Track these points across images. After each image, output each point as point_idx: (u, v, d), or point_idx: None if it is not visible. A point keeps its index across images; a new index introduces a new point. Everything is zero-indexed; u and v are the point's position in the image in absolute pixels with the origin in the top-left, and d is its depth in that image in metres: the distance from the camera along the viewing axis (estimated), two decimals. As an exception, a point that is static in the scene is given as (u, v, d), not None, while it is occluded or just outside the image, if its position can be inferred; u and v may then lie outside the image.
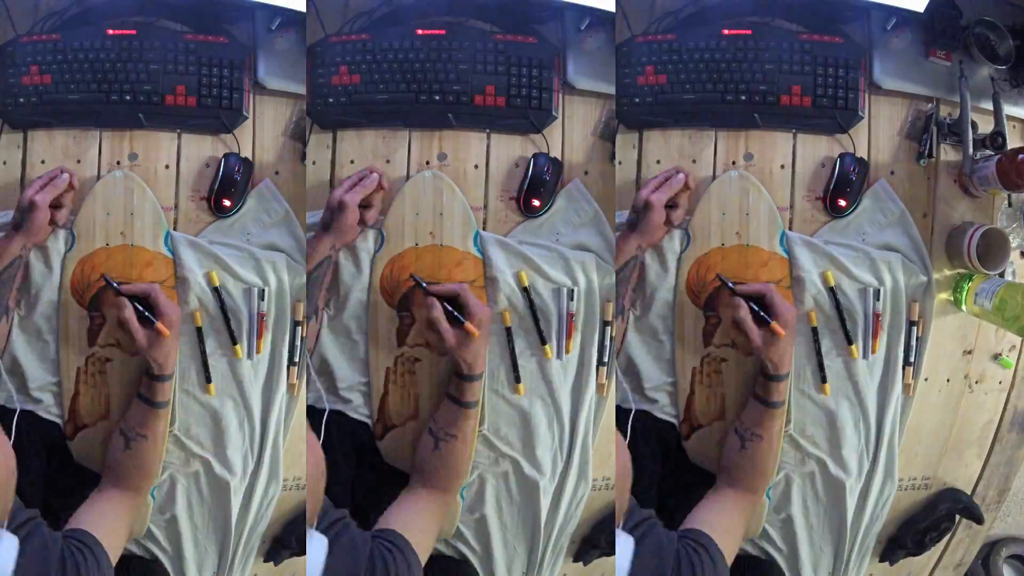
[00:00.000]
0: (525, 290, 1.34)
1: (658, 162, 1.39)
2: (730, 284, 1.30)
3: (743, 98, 1.36)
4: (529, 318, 1.34)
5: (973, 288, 1.37)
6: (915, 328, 1.38)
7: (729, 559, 1.21)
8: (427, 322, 1.27)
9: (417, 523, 1.22)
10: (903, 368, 1.38)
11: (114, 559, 1.18)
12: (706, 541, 1.18)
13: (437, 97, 1.35)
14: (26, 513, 1.17)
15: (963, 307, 1.40)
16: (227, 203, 1.33)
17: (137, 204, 1.33)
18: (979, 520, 1.44)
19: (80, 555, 1.11)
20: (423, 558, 1.20)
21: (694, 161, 1.39)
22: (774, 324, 1.23)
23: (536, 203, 1.36)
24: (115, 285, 1.26)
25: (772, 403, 1.28)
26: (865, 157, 1.40)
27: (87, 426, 1.31)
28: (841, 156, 1.39)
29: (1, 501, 1.15)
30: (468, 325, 1.23)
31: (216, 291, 1.31)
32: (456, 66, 1.35)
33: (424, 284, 1.29)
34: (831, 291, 1.35)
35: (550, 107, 1.37)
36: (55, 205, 1.27)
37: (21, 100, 1.32)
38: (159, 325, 1.21)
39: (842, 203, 1.38)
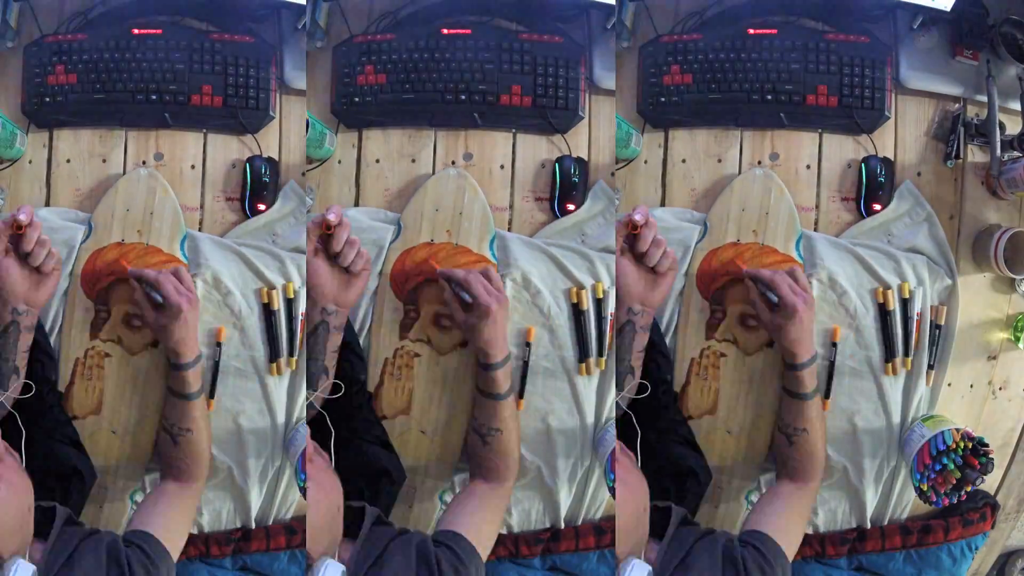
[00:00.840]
0: (575, 305, 1.34)
1: (683, 161, 1.38)
2: (744, 269, 1.28)
3: (769, 98, 1.35)
4: (570, 333, 1.34)
5: None
6: (939, 332, 1.37)
7: (790, 554, 1.21)
8: (434, 316, 1.27)
9: (476, 521, 1.22)
10: (925, 372, 1.38)
11: (175, 554, 1.19)
12: (766, 542, 1.18)
13: (463, 97, 1.35)
14: (76, 533, 1.16)
15: (1021, 345, 1.39)
16: (262, 207, 1.34)
17: (158, 204, 1.33)
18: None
19: (140, 558, 1.12)
20: (485, 553, 1.21)
21: (719, 160, 1.38)
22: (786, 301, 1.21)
23: (571, 207, 1.36)
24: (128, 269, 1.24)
25: (802, 395, 1.26)
26: (892, 157, 1.39)
27: (76, 418, 1.31)
28: (865, 160, 1.38)
29: (20, 534, 1.14)
30: (482, 298, 1.21)
31: (266, 308, 1.32)
32: (482, 65, 1.35)
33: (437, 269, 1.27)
34: (881, 307, 1.34)
35: (576, 107, 1.36)
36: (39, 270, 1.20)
37: (47, 99, 1.32)
38: (172, 298, 1.18)
39: (877, 207, 1.37)
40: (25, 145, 1.33)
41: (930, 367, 1.38)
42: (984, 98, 1.38)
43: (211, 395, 1.31)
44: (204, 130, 1.36)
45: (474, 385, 1.31)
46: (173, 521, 1.21)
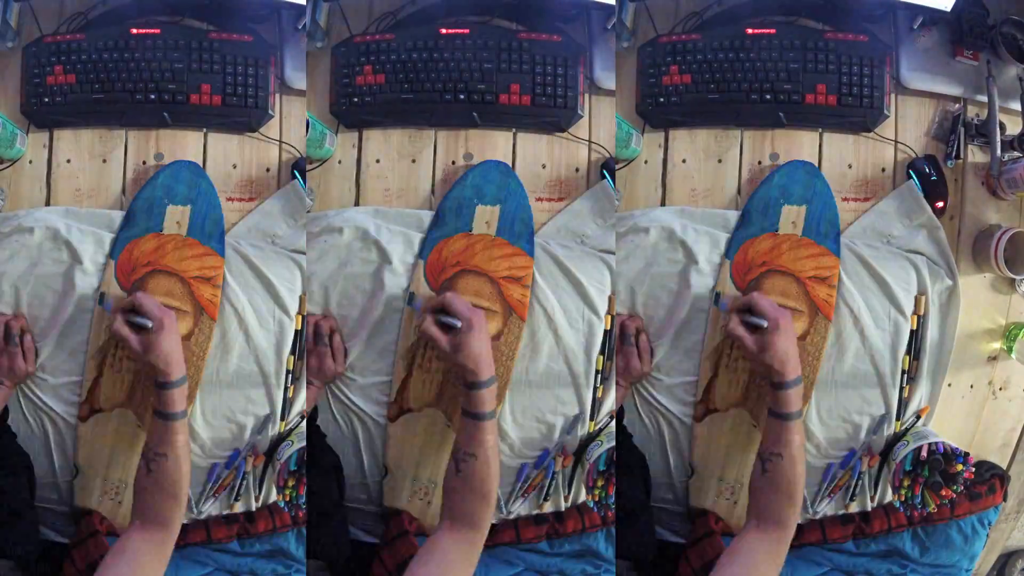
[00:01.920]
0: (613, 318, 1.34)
1: (684, 161, 1.38)
2: (723, 300, 1.30)
3: (768, 97, 1.35)
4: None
5: None
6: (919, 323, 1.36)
7: None
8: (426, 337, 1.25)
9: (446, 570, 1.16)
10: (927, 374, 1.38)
11: None
12: None
13: (462, 96, 1.35)
14: None
15: (1013, 355, 1.39)
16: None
17: (200, 197, 1.32)
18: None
19: None
20: None
21: (720, 161, 1.38)
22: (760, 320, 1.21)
23: None
24: (107, 304, 1.26)
25: (786, 414, 1.21)
26: (894, 157, 1.39)
27: (102, 410, 1.30)
28: (911, 164, 1.38)
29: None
30: (454, 320, 1.20)
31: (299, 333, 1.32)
32: (481, 65, 1.35)
33: (417, 302, 1.29)
34: (920, 320, 1.34)
35: (575, 105, 1.36)
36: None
37: (46, 100, 1.32)
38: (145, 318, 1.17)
39: (940, 204, 1.38)
40: (25, 145, 1.33)
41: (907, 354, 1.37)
42: (984, 98, 1.38)
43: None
44: (204, 129, 1.36)
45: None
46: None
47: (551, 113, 1.36)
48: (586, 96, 1.38)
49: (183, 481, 1.17)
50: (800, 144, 1.38)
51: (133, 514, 1.20)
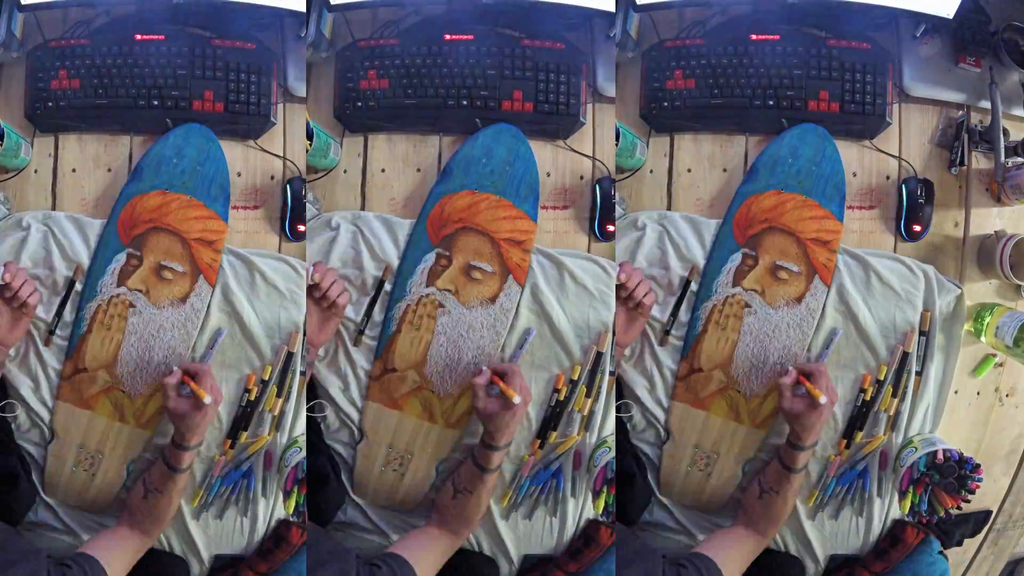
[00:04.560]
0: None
1: (689, 171, 1.39)
2: (792, 367, 1.30)
3: (771, 103, 1.35)
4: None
5: (994, 321, 1.35)
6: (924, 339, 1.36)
7: None
8: (465, 267, 1.30)
9: (424, 556, 1.28)
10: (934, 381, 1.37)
11: None
12: (709, 564, 1.25)
13: (465, 102, 1.35)
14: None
15: (983, 338, 1.38)
16: (302, 228, 1.33)
17: (208, 159, 1.31)
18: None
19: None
20: None
21: (724, 170, 1.38)
22: (813, 390, 1.26)
23: (611, 228, 1.35)
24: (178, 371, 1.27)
25: (792, 468, 1.30)
26: (897, 165, 1.39)
27: (85, 370, 1.29)
28: (905, 181, 1.38)
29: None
30: (506, 389, 1.26)
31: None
32: (484, 71, 1.35)
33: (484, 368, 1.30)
34: (923, 335, 1.34)
35: (578, 113, 1.36)
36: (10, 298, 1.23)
37: (50, 104, 1.32)
38: (199, 391, 1.23)
39: (917, 228, 1.37)
40: (30, 155, 1.33)
41: (918, 374, 1.36)
42: (987, 104, 1.38)
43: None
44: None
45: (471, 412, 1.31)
46: (119, 560, 1.24)
47: (553, 120, 1.36)
48: (589, 106, 1.38)
49: (171, 512, 1.29)
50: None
51: (121, 516, 1.29)
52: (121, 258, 1.29)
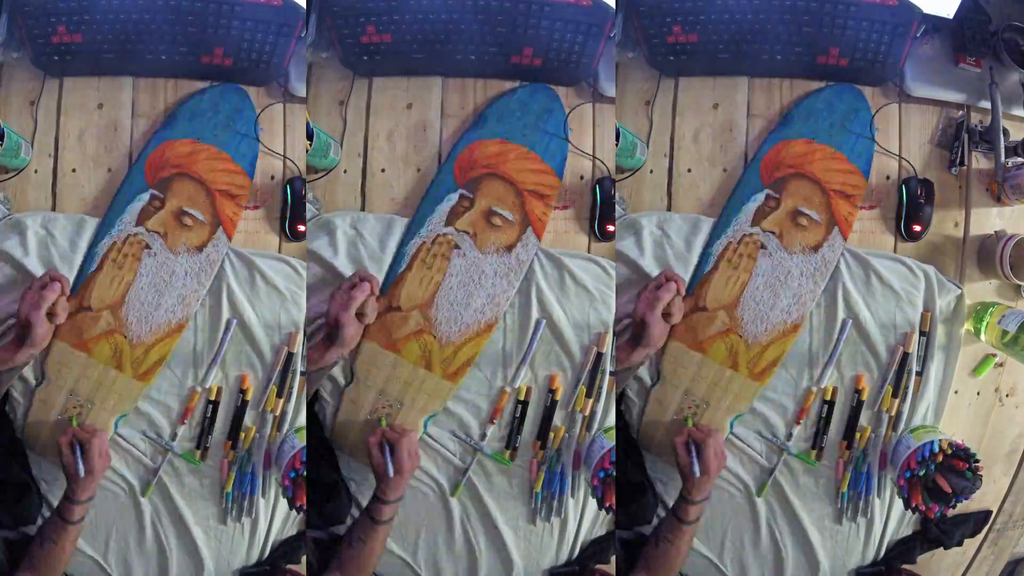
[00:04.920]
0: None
1: (689, 171, 1.38)
2: (690, 423, 1.33)
3: (778, 57, 1.34)
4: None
5: (994, 319, 1.35)
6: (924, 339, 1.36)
7: None
8: (487, 211, 1.31)
9: None
10: (934, 381, 1.38)
11: None
12: None
13: (473, 57, 1.32)
14: None
15: (982, 337, 1.38)
16: (302, 228, 1.33)
17: (241, 119, 1.31)
18: None
19: None
20: None
21: (724, 170, 1.38)
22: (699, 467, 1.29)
23: (611, 228, 1.35)
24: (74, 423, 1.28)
25: (685, 521, 1.32)
26: (898, 166, 1.39)
27: (89, 309, 1.28)
28: (906, 181, 1.38)
29: None
30: (390, 467, 1.27)
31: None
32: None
33: (385, 423, 1.31)
34: (923, 335, 1.34)
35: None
36: (50, 313, 1.23)
37: (55, 57, 1.30)
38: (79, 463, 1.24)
39: (917, 228, 1.37)
40: (30, 155, 1.33)
41: (918, 374, 1.36)
42: (987, 104, 1.38)
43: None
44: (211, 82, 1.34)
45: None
46: None
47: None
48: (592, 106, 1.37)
49: (65, 561, 1.29)
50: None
51: (23, 564, 1.28)
52: (144, 197, 1.29)
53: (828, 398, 1.35)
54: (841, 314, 1.34)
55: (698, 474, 1.28)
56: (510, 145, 1.32)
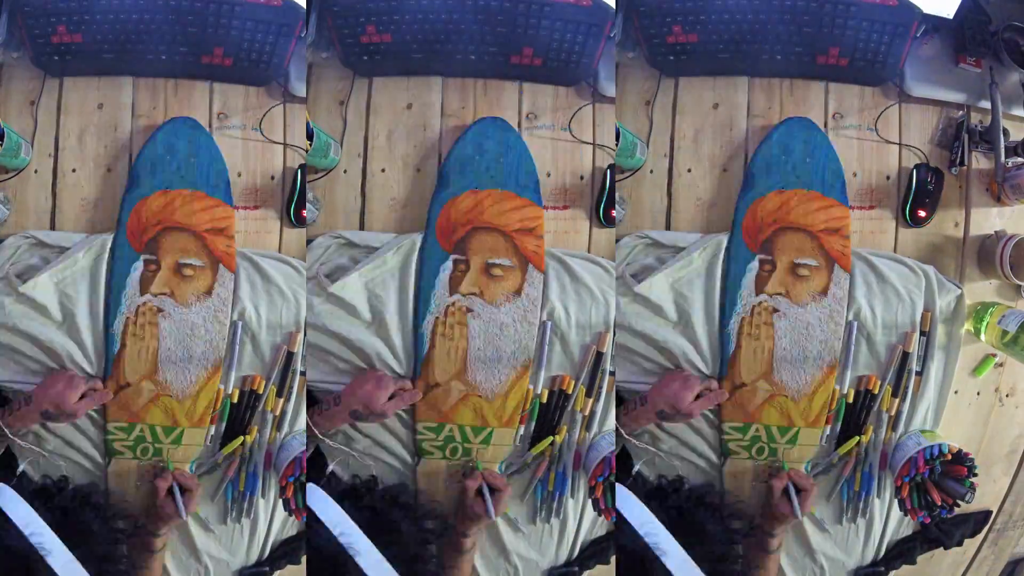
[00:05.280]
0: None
1: (689, 171, 1.38)
2: (787, 467, 1.34)
3: (778, 57, 1.34)
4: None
5: (995, 318, 1.35)
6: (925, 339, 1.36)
7: None
8: (484, 266, 1.31)
9: None
10: (934, 381, 1.38)
11: None
12: None
13: (473, 57, 1.32)
14: None
15: (982, 337, 1.37)
16: (306, 214, 1.34)
17: (200, 148, 1.31)
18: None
19: None
20: None
21: (725, 170, 1.38)
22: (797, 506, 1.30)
23: (614, 213, 1.35)
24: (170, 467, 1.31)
25: (769, 550, 1.34)
26: (899, 164, 1.40)
27: (129, 385, 1.29)
28: (916, 167, 1.38)
29: None
30: (490, 506, 1.29)
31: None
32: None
33: (481, 467, 1.33)
34: (923, 335, 1.35)
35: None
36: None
37: (56, 58, 1.30)
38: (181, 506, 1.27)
39: (922, 214, 1.37)
40: (31, 155, 1.33)
41: (918, 373, 1.36)
42: (987, 104, 1.38)
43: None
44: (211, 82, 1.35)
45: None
46: None
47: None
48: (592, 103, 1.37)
49: None
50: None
51: None
52: (139, 266, 1.30)
53: (850, 401, 1.36)
54: (848, 316, 1.34)
55: (799, 516, 1.30)
56: (481, 193, 1.33)
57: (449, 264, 1.32)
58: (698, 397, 1.30)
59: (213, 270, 1.30)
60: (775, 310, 1.33)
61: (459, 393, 1.32)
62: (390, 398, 1.29)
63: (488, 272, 1.32)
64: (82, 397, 1.26)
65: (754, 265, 1.33)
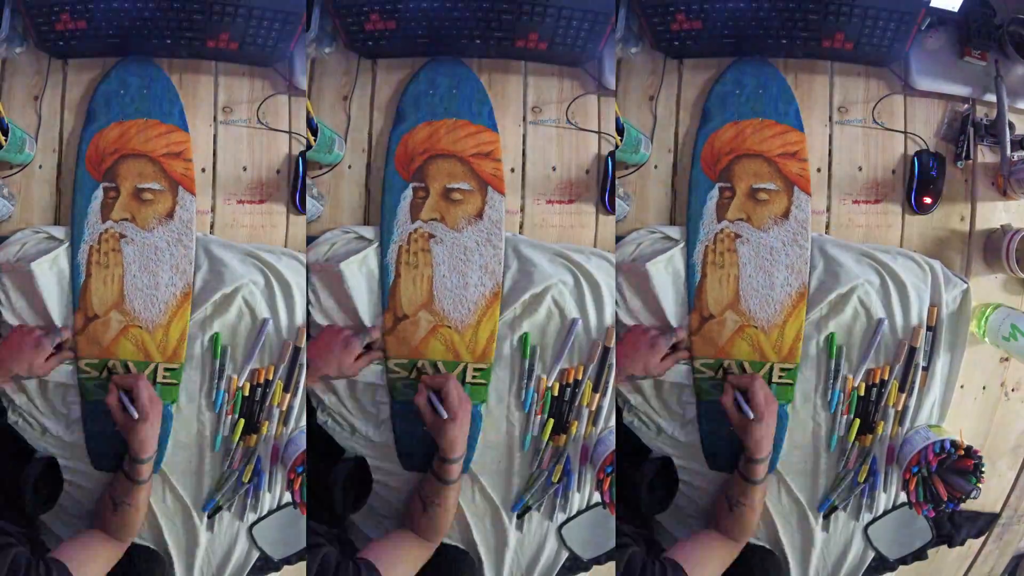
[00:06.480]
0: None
1: (694, 164, 1.39)
2: (729, 378, 1.33)
3: (783, 41, 1.33)
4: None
5: (988, 317, 1.35)
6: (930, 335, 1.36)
7: None
8: (444, 191, 1.32)
9: (397, 564, 1.30)
10: (940, 376, 1.37)
11: None
12: (678, 571, 1.28)
13: (478, 42, 1.32)
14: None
15: (986, 339, 1.37)
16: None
17: (153, 81, 1.31)
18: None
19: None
20: None
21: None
22: (750, 411, 1.29)
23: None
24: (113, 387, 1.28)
25: (753, 480, 1.32)
26: (903, 158, 1.39)
27: (96, 317, 1.29)
28: (918, 154, 1.38)
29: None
30: (437, 406, 1.29)
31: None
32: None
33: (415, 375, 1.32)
34: (930, 329, 1.34)
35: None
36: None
37: (60, 43, 1.30)
38: (134, 410, 1.26)
39: (928, 200, 1.37)
40: (34, 150, 1.33)
41: (924, 368, 1.36)
42: (993, 98, 1.37)
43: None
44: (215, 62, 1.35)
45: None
46: (91, 566, 1.26)
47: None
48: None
49: (140, 521, 1.31)
50: (811, 133, 1.37)
51: (95, 524, 1.31)
52: (98, 195, 1.30)
53: (862, 394, 1.35)
54: (876, 312, 1.34)
55: (751, 415, 1.28)
56: (436, 123, 1.33)
57: (409, 192, 1.33)
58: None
59: (173, 193, 1.30)
60: (737, 235, 1.33)
61: (428, 324, 1.32)
62: (357, 358, 1.30)
63: (448, 197, 1.32)
64: (50, 357, 1.26)
65: (714, 193, 1.33)
